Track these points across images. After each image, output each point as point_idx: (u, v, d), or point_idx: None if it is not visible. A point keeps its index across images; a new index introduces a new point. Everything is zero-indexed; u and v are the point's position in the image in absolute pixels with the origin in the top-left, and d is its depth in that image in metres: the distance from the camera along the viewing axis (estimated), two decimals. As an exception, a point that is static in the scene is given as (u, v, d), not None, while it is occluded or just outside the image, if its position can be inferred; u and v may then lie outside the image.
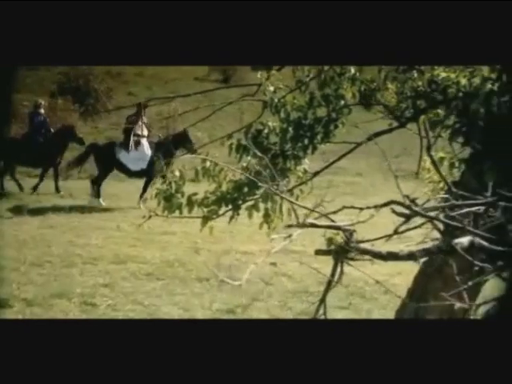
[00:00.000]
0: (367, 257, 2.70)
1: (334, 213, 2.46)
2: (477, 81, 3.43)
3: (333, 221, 2.64)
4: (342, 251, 2.63)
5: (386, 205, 2.25)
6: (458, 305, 3.19)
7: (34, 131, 12.97)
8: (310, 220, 2.30)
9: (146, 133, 12.17)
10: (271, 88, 3.72)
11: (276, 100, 3.75)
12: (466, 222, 2.69)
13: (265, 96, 3.80)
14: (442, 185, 3.94)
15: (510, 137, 3.37)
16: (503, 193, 2.27)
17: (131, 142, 11.80)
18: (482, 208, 2.31)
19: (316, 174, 3.96)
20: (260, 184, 2.98)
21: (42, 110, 13.36)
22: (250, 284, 7.45)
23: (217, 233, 8.03)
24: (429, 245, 2.68)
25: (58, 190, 12.55)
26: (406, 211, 2.32)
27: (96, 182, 11.74)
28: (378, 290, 7.04)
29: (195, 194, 3.90)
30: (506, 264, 2.69)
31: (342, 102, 3.80)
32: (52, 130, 13.28)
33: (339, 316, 6.55)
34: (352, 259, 2.70)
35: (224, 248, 8.66)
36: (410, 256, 2.69)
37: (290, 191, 3.92)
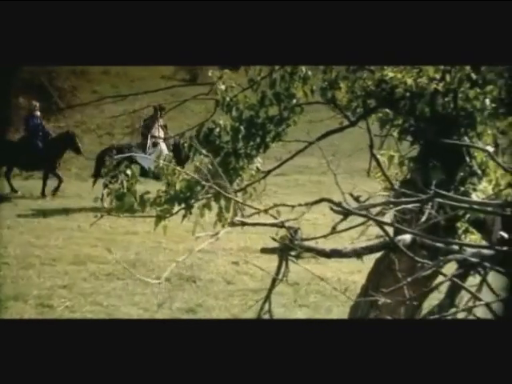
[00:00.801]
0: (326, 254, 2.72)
1: (266, 211, 2.47)
2: (424, 81, 3.49)
3: (276, 219, 2.66)
4: (287, 249, 2.65)
5: (316, 202, 2.27)
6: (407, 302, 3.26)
7: (31, 134, 12.65)
8: (237, 218, 2.31)
9: (162, 134, 12.20)
10: (222, 87, 3.72)
11: (228, 99, 3.76)
12: (408, 220, 2.75)
13: (217, 95, 3.80)
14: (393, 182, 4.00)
15: (454, 136, 3.44)
16: (437, 190, 2.32)
17: (148, 144, 11.91)
18: (418, 206, 2.35)
19: (268, 172, 3.98)
20: (203, 183, 2.98)
21: (38, 113, 13.08)
22: (212, 283, 7.45)
23: (180, 232, 8.02)
24: (372, 242, 2.72)
25: (43, 194, 12.24)
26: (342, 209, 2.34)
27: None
28: (337, 288, 7.10)
29: (147, 192, 3.88)
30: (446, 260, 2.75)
31: (294, 101, 3.82)
32: (52, 134, 13.08)
33: (299, 314, 6.60)
34: (297, 257, 2.73)
35: (187, 247, 8.63)
36: (354, 253, 2.73)
37: (243, 190, 3.93)
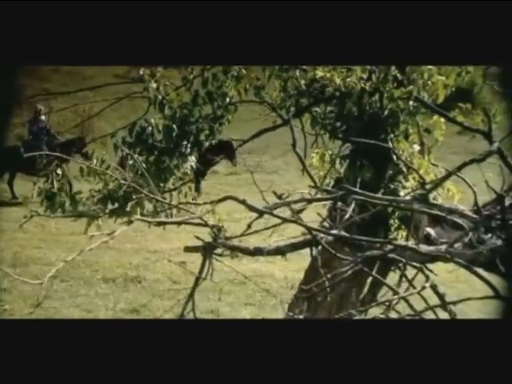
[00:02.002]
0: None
1: (169, 209, 2.47)
2: (354, 80, 3.55)
3: (202, 219, 2.66)
4: (210, 247, 2.66)
5: (221, 200, 2.29)
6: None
7: (35, 139, 12.23)
8: (158, 219, 2.31)
9: None
10: (154, 85, 3.70)
11: (160, 97, 3.74)
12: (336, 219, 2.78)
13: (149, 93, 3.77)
14: (327, 180, 4.05)
15: (381, 135, 3.52)
16: (349, 188, 2.37)
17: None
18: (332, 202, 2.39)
19: (203, 171, 3.97)
20: (122, 181, 2.95)
21: (43, 117, 12.62)
22: (158, 283, 7.40)
23: (129, 232, 7.91)
24: (295, 239, 2.75)
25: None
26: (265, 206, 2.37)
27: None
28: (284, 286, 7.16)
29: (79, 192, 3.83)
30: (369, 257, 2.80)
31: (228, 100, 3.83)
32: (59, 138, 12.64)
33: (244, 312, 6.63)
34: (220, 255, 2.74)
35: (134, 247, 8.55)
36: (278, 251, 2.76)
37: (178, 189, 3.92)
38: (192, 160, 3.89)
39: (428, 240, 3.49)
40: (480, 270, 2.65)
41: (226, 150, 12.20)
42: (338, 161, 3.89)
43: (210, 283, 8.02)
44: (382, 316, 2.64)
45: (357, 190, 2.39)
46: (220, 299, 6.95)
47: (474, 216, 2.48)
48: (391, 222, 3.90)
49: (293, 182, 14.59)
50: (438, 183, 2.69)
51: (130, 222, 2.34)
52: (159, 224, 2.67)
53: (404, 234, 3.98)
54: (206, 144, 3.87)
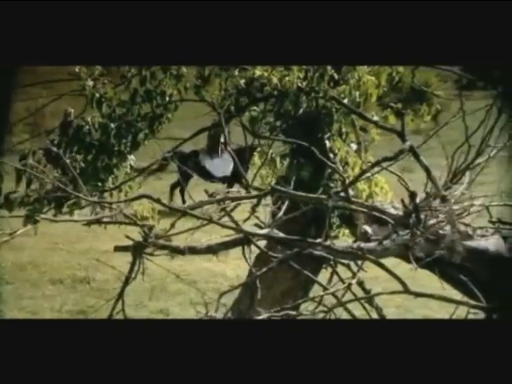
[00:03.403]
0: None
1: (102, 208, 2.44)
2: (292, 79, 3.57)
3: (131, 219, 2.64)
4: (141, 247, 2.64)
5: (136, 199, 2.28)
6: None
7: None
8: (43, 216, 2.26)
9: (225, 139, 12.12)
10: (91, 83, 3.64)
11: (98, 95, 3.69)
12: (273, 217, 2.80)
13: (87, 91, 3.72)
14: (269, 179, 4.08)
15: (317, 134, 3.55)
16: (274, 186, 2.39)
17: (220, 150, 11.82)
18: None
19: (143, 170, 3.94)
20: (47, 180, 2.91)
21: (74, 120, 12.22)
22: (107, 283, 7.30)
23: (81, 232, 7.72)
24: (227, 238, 2.76)
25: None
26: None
27: (175, 188, 11.76)
28: (233, 285, 7.16)
29: (13, 192, 3.74)
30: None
31: (167, 99, 3.80)
32: None
33: (192, 312, 6.59)
34: (151, 254, 2.72)
35: (84, 247, 8.42)
36: (209, 249, 2.76)
37: (118, 188, 3.87)
38: (132, 159, 3.85)
39: (365, 237, 3.55)
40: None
41: None
42: (278, 160, 3.91)
43: (159, 282, 7.95)
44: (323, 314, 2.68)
45: (278, 187, 2.41)
46: (169, 299, 6.92)
47: (394, 213, 2.53)
48: (333, 220, 3.95)
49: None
50: (353, 181, 2.73)
51: (35, 222, 2.30)
52: (88, 224, 2.63)
53: (346, 231, 4.04)
54: (145, 143, 3.84)
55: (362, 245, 2.48)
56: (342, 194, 2.64)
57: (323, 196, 2.59)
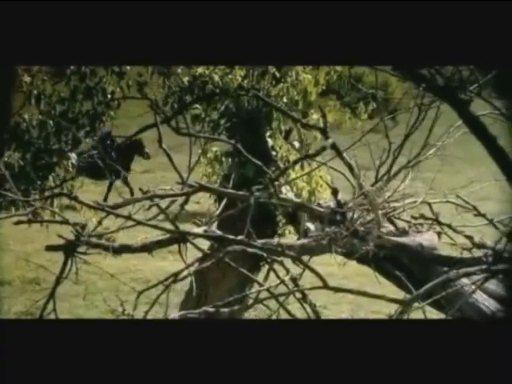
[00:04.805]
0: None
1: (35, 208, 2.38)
2: (235, 78, 3.58)
3: (63, 217, 2.60)
4: (73, 246, 2.60)
5: (55, 196, 2.24)
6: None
7: (101, 142, 11.78)
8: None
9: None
10: (28, 79, 3.57)
11: (36, 92, 3.62)
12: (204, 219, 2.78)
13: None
14: (214, 178, 4.07)
15: (260, 132, 3.57)
16: (201, 183, 2.38)
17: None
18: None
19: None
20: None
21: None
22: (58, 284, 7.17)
23: (32, 233, 7.55)
24: (162, 236, 2.74)
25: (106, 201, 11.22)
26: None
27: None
28: (184, 284, 7.10)
29: None
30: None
31: (109, 96, 3.76)
32: (117, 142, 12.07)
33: (143, 312, 6.53)
34: (84, 253, 2.69)
35: (36, 247, 8.25)
36: (144, 248, 2.74)
37: (60, 186, 3.81)
38: (73, 157, 3.78)
39: (307, 234, 3.59)
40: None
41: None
42: (222, 158, 3.91)
43: (110, 282, 7.82)
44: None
45: (204, 184, 2.41)
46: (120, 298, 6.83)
47: (321, 210, 2.56)
48: (278, 218, 3.97)
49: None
50: (275, 178, 2.76)
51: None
52: (17, 223, 2.58)
53: (291, 228, 4.07)
54: (88, 141, 3.79)
55: (282, 241, 2.50)
56: (271, 190, 2.64)
57: (245, 193, 2.60)
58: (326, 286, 2.24)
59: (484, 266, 2.25)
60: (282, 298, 2.69)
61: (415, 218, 2.80)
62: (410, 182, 3.88)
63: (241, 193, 2.62)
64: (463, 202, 2.94)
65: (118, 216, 2.37)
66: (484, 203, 4.71)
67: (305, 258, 2.98)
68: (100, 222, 2.48)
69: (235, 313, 3.08)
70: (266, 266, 3.13)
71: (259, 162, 2.90)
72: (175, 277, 2.57)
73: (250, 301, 3.15)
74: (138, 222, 2.43)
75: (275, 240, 2.49)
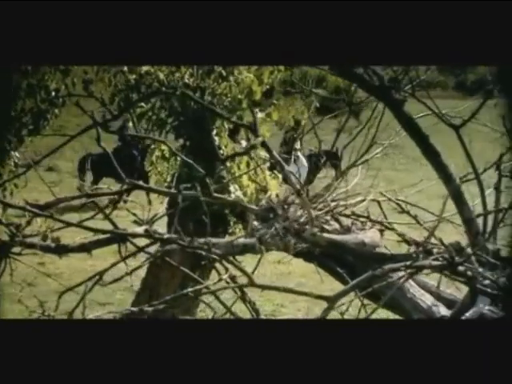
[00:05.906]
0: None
1: None
2: (179, 76, 3.55)
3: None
4: (7, 246, 2.55)
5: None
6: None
7: (126, 144, 11.51)
8: None
9: (300, 146, 11.68)
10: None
11: (-25, 89, 3.53)
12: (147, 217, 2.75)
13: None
14: (164, 176, 4.04)
15: (205, 130, 3.55)
16: (134, 182, 2.36)
17: (293, 156, 11.40)
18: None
19: (29, 168, 3.81)
20: None
21: (130, 122, 11.35)
22: (10, 286, 7.02)
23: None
24: (101, 236, 2.70)
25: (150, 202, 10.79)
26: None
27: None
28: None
29: None
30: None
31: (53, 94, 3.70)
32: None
33: (101, 312, 6.45)
34: (19, 254, 2.64)
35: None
36: (81, 248, 2.70)
37: (2, 186, 3.73)
38: (16, 156, 3.71)
39: (253, 233, 3.59)
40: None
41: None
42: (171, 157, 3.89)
43: (68, 284, 7.70)
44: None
45: (140, 183, 2.39)
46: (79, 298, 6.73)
47: (254, 208, 2.57)
48: (229, 217, 3.97)
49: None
50: (205, 175, 2.76)
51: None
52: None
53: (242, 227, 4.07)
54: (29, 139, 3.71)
55: (211, 240, 2.49)
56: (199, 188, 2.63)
57: (173, 191, 2.59)
58: (252, 284, 2.24)
59: (408, 263, 2.30)
60: (223, 297, 2.69)
61: (348, 216, 2.84)
62: (362, 181, 3.93)
63: (170, 191, 2.61)
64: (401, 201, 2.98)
65: (39, 216, 2.33)
66: (436, 201, 4.81)
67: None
68: (29, 222, 2.44)
69: (181, 312, 3.07)
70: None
71: (189, 161, 2.87)
72: (100, 276, 2.54)
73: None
74: (68, 224, 2.40)
75: (202, 239, 2.48)
